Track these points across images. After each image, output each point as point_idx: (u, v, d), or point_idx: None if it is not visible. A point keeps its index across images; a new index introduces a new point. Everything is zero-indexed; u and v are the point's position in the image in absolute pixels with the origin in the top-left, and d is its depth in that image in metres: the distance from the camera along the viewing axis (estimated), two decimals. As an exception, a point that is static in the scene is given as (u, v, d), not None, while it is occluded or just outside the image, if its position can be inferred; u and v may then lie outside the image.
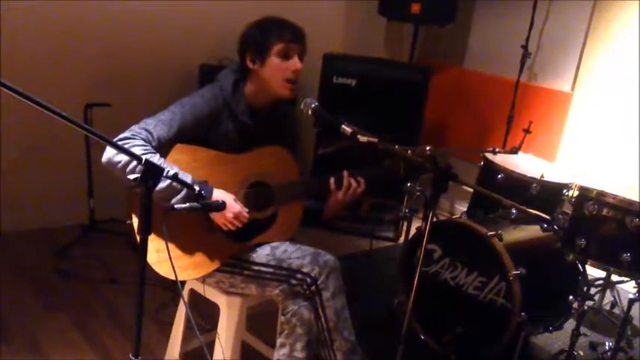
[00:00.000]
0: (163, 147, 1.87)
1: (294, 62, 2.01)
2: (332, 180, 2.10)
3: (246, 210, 1.93)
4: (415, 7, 4.00)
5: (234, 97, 2.02)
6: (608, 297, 3.34)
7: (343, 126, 1.87)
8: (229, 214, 1.87)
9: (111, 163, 1.77)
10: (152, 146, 1.83)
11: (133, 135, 1.82)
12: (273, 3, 3.90)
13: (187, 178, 1.80)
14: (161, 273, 1.86)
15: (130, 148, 1.77)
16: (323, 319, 1.99)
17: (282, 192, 2.08)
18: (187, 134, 1.91)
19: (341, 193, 2.10)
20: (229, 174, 1.99)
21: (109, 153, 1.77)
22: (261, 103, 2.08)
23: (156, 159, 1.79)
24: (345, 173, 2.11)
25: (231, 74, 2.05)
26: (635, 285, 2.49)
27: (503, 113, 4.10)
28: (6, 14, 3.07)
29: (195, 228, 1.93)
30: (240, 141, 2.03)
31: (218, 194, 1.86)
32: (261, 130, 2.09)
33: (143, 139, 1.82)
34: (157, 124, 1.86)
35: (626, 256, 2.30)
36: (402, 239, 3.63)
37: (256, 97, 2.06)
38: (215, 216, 1.89)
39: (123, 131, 1.84)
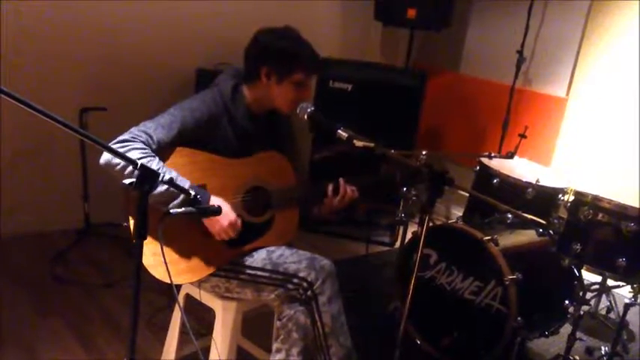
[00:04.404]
0: (163, 150, 1.87)
1: (308, 91, 2.03)
2: (330, 187, 2.11)
3: (239, 221, 1.93)
4: (411, 12, 4.01)
5: (234, 102, 2.02)
6: (604, 302, 3.35)
7: (339, 131, 1.87)
8: (225, 222, 1.87)
9: (109, 165, 1.77)
10: (152, 149, 1.83)
11: (132, 138, 1.81)
12: (270, 8, 3.92)
13: (185, 183, 1.80)
14: (157, 276, 1.85)
15: (129, 151, 1.77)
16: (319, 324, 1.98)
17: (279, 197, 2.08)
18: (187, 137, 1.91)
19: (336, 200, 2.10)
20: (227, 178, 1.99)
21: (108, 155, 1.77)
22: (261, 109, 2.08)
23: (154, 163, 1.79)
24: (341, 181, 2.11)
25: (230, 79, 2.05)
26: (631, 290, 2.50)
27: (498, 118, 4.12)
28: (2, 18, 3.07)
29: (191, 232, 1.92)
30: (238, 145, 2.03)
31: (214, 201, 1.85)
32: (260, 135, 2.10)
33: (143, 142, 1.81)
34: (157, 128, 1.86)
35: (622, 260, 2.31)
36: (398, 244, 3.63)
37: (256, 103, 2.06)
38: (210, 224, 1.89)
39: (119, 135, 1.84)
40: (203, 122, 1.94)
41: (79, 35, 3.38)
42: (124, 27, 3.52)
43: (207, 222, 1.89)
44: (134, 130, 1.85)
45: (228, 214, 1.88)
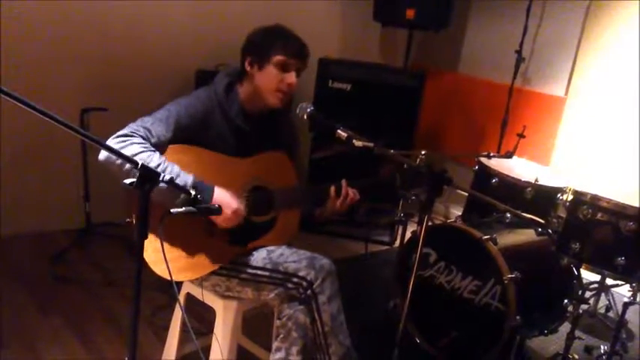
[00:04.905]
0: (161, 144, 1.88)
1: (290, 76, 2.02)
2: (333, 188, 2.12)
3: (244, 209, 1.94)
4: (410, 13, 4.02)
5: (227, 100, 2.03)
6: (603, 300, 3.36)
7: (339, 130, 1.88)
8: (228, 211, 1.87)
9: (109, 161, 1.78)
10: (151, 143, 1.84)
11: (131, 132, 1.82)
12: (270, 9, 3.93)
13: (189, 178, 1.81)
14: (158, 273, 1.86)
15: (129, 145, 1.78)
16: (319, 323, 1.99)
17: (281, 197, 2.09)
18: (183, 133, 1.92)
19: (339, 201, 2.12)
20: (230, 177, 2.00)
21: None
22: (256, 107, 2.09)
23: (156, 157, 1.80)
24: (344, 182, 2.12)
25: (225, 77, 2.07)
26: (630, 288, 2.50)
27: (497, 118, 4.13)
28: (2, 18, 3.08)
29: (194, 230, 1.93)
30: (236, 143, 2.04)
31: (218, 193, 1.86)
32: (258, 134, 2.10)
33: (141, 137, 1.83)
34: (155, 122, 1.87)
35: (621, 259, 2.32)
36: (397, 243, 3.64)
37: (250, 100, 2.07)
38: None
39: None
40: (197, 119, 1.95)
41: (80, 36, 3.39)
42: (124, 28, 3.54)
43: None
44: (132, 125, 1.86)
45: (231, 203, 1.88)
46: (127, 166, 1.74)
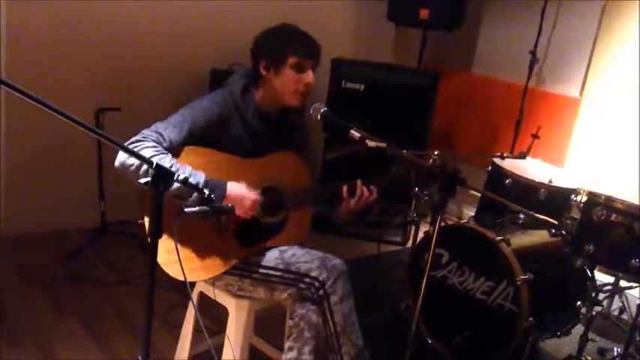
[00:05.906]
0: (174, 149, 1.89)
1: (308, 76, 2.04)
2: (345, 188, 2.12)
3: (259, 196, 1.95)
4: (424, 13, 4.02)
5: (244, 101, 2.04)
6: (617, 302, 3.33)
7: (352, 131, 1.88)
8: (248, 202, 1.89)
9: (124, 167, 1.79)
10: (163, 147, 1.85)
11: (144, 137, 1.84)
12: (283, 8, 3.94)
13: (200, 177, 1.82)
14: (171, 274, 1.87)
15: (141, 150, 1.79)
16: (331, 323, 1.99)
17: (293, 197, 2.10)
18: (198, 137, 1.93)
19: (353, 201, 2.11)
20: (243, 178, 2.00)
21: (122, 157, 1.79)
22: (271, 108, 2.10)
23: (167, 159, 1.81)
24: (359, 182, 2.12)
25: (241, 79, 2.07)
26: (644, 290, 2.49)
27: (511, 118, 4.11)
28: (17, 19, 3.11)
29: (206, 231, 1.94)
30: (251, 145, 2.05)
31: (232, 186, 1.88)
32: (273, 135, 2.12)
33: (154, 141, 1.84)
34: (168, 127, 1.88)
35: (635, 261, 2.30)
36: (409, 243, 3.63)
37: (266, 102, 2.08)
38: (235, 203, 1.86)
39: (134, 135, 1.86)
40: (213, 122, 1.96)
41: (95, 36, 3.42)
42: (138, 28, 3.56)
43: (231, 202, 1.85)
44: (145, 131, 1.88)
45: (247, 195, 1.90)
46: (142, 170, 1.76)
